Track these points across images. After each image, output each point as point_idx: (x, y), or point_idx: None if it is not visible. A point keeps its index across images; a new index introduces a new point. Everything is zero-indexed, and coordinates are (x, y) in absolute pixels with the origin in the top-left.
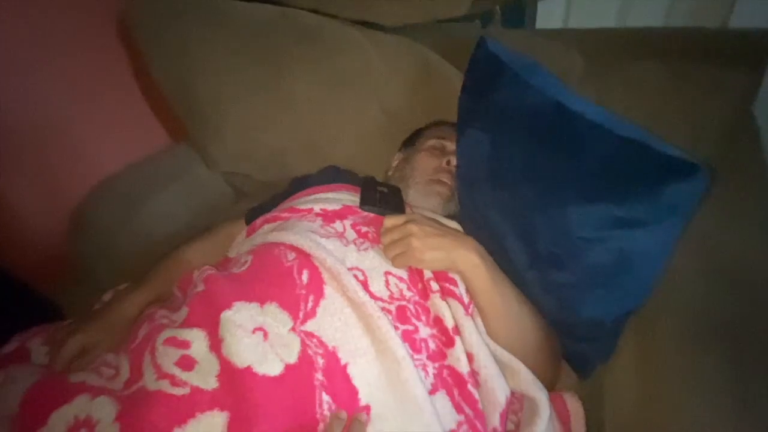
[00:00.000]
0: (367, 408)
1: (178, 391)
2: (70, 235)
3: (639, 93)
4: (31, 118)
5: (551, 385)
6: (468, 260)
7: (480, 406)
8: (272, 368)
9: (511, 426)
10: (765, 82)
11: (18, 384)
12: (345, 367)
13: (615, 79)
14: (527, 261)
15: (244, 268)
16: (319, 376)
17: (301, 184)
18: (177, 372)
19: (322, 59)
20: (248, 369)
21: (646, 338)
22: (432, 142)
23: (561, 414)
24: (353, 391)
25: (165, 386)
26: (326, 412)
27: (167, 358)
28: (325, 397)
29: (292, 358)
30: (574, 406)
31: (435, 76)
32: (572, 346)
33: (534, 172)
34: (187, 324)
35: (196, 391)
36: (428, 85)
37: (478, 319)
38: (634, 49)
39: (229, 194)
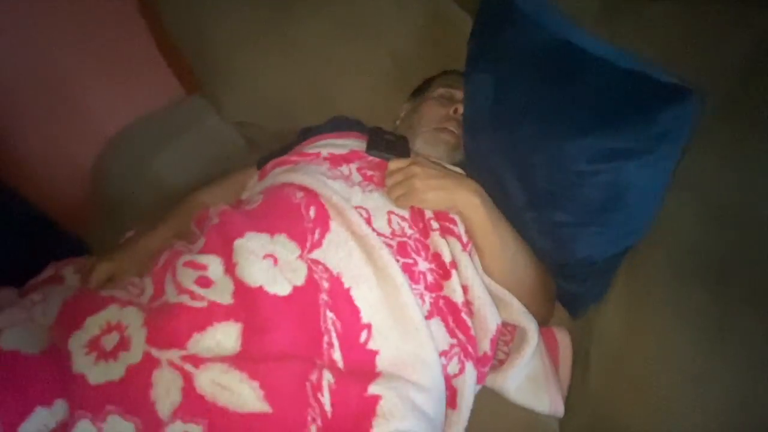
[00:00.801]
0: (369, 326)
1: (197, 304)
2: (92, 182)
3: (654, 34)
4: (49, 68)
5: (544, 323)
6: (468, 201)
7: (472, 332)
8: (282, 288)
9: (501, 355)
10: None
11: (55, 299)
12: (348, 290)
13: (629, 20)
14: (525, 201)
15: (255, 205)
16: (324, 296)
17: (310, 132)
18: (195, 288)
19: (330, 2)
20: (260, 288)
21: (635, 272)
22: (440, 90)
23: (549, 344)
24: (355, 310)
25: (185, 299)
26: (330, 326)
27: (187, 277)
28: (329, 314)
29: (300, 281)
30: (562, 336)
31: (446, 22)
32: (566, 286)
33: (534, 109)
34: (203, 251)
35: (213, 304)
36: (439, 31)
37: (475, 256)
38: None
39: (242, 145)
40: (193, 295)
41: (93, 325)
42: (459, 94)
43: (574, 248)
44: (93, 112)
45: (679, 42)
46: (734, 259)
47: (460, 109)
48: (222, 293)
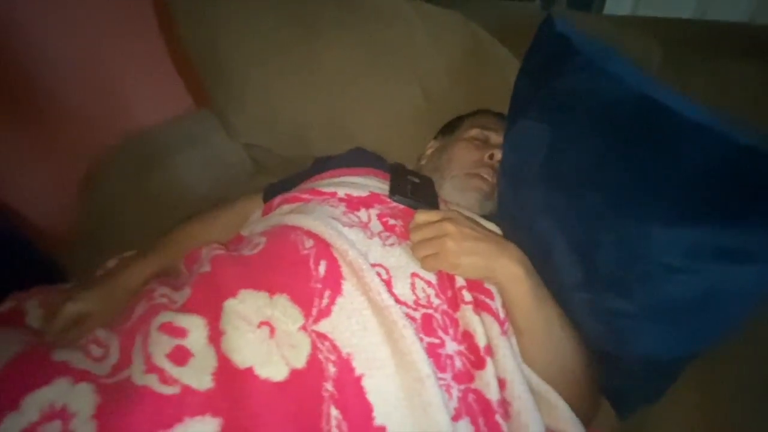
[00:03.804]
0: (383, 429)
1: (167, 390)
2: (79, 196)
3: (726, 93)
4: (35, 68)
5: (587, 422)
6: (510, 271)
7: None
8: (276, 371)
9: None
10: None
11: (3, 349)
12: (359, 378)
13: (698, 75)
14: (578, 280)
15: (255, 251)
16: (328, 386)
17: (326, 164)
18: (168, 366)
19: (360, 26)
20: (249, 370)
21: (707, 385)
22: (474, 132)
23: None
24: (367, 408)
25: (152, 382)
26: (334, 429)
27: (159, 347)
28: (334, 412)
29: (300, 362)
30: None
31: (485, 59)
32: (615, 381)
33: (607, 176)
34: (186, 308)
35: (187, 391)
36: (476, 68)
37: (514, 341)
38: (718, 45)
39: (248, 167)
40: (163, 376)
41: (32, 406)
42: (495, 138)
43: (634, 342)
44: (87, 120)
45: (753, 104)
46: None
47: (497, 155)
48: (200, 374)
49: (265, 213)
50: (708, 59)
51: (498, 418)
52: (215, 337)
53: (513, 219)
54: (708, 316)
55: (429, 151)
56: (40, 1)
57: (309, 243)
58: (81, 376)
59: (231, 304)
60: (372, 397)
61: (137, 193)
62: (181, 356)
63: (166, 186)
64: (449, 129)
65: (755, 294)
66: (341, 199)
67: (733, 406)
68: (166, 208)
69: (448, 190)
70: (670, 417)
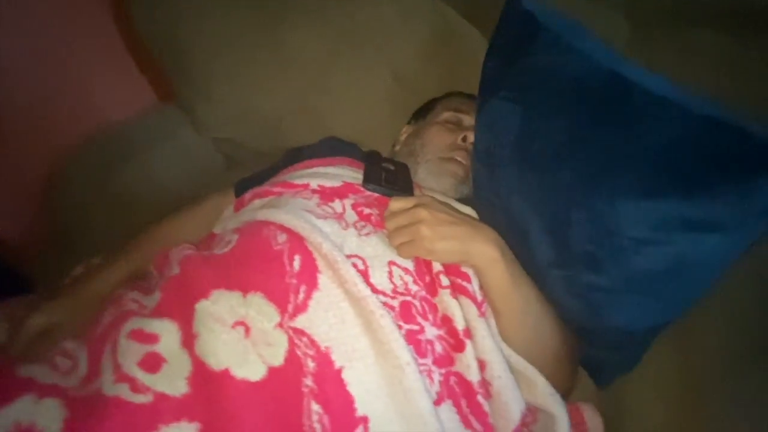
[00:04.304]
0: (364, 419)
1: (139, 399)
2: (44, 199)
3: (695, 64)
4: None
5: (567, 394)
6: (486, 254)
7: (490, 420)
8: (253, 371)
9: None
10: None
11: None
12: (339, 371)
13: (666, 48)
14: (553, 258)
15: (227, 249)
16: (308, 381)
17: (297, 155)
18: (139, 375)
19: (326, 8)
20: (225, 372)
21: (680, 351)
22: (447, 114)
23: (578, 428)
24: (348, 399)
25: (123, 392)
26: (315, 425)
27: (130, 355)
28: (315, 407)
29: (278, 360)
30: (593, 420)
31: (455, 39)
32: (592, 353)
33: (577, 153)
34: (157, 313)
35: (160, 398)
36: (447, 49)
37: (492, 321)
38: (686, 16)
39: (219, 162)
40: (134, 385)
41: None
42: (467, 120)
43: (609, 315)
44: (49, 120)
45: (724, 73)
46: None
47: (470, 137)
48: (174, 379)
49: (237, 209)
50: (677, 31)
51: (479, 398)
52: (188, 340)
53: (487, 201)
54: (679, 285)
55: (403, 137)
56: None
57: (282, 238)
58: (47, 391)
59: (203, 306)
60: (353, 388)
61: (103, 194)
62: (153, 363)
63: (134, 186)
64: (422, 113)
65: (723, 261)
66: (314, 191)
67: (708, 366)
68: (134, 209)
69: (422, 175)
70: (646, 382)
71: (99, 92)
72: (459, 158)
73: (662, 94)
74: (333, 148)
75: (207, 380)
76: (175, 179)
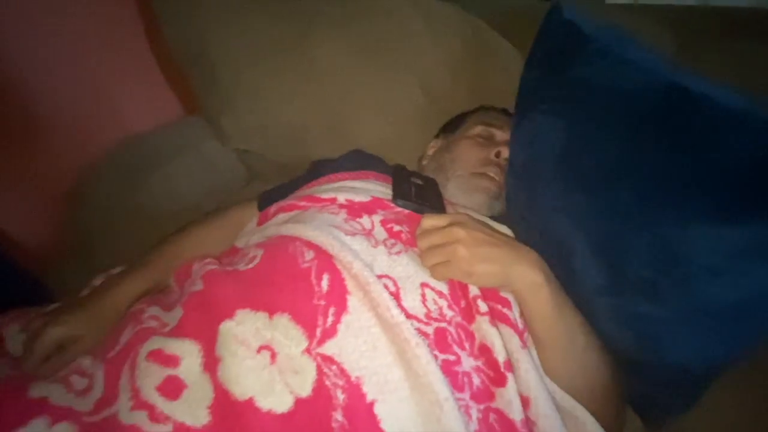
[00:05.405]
0: None
1: (158, 429)
2: (67, 208)
3: (748, 77)
4: (20, 76)
5: None
6: (529, 278)
7: None
8: (280, 402)
9: None
10: None
11: None
12: (371, 405)
13: (716, 61)
14: (602, 284)
15: (251, 266)
16: (337, 415)
17: (323, 168)
18: (159, 402)
19: (355, 21)
20: (249, 402)
21: (746, 391)
22: (479, 129)
23: None
24: None
25: (141, 420)
26: None
27: (149, 379)
28: None
29: (305, 390)
30: None
31: (486, 53)
32: (642, 390)
33: (635, 172)
34: (178, 332)
35: (180, 429)
36: (478, 62)
37: (534, 353)
38: (731, 30)
39: (242, 174)
40: (153, 414)
41: None
42: (500, 135)
43: (665, 349)
44: (78, 130)
45: None
46: None
47: (504, 153)
48: (195, 407)
49: (261, 222)
50: (724, 45)
51: None
52: (211, 364)
53: (524, 220)
54: (749, 320)
55: (431, 151)
56: (22, 10)
57: (309, 255)
58: (61, 414)
59: (227, 327)
60: (386, 425)
61: (126, 204)
62: (173, 388)
63: (157, 196)
64: (451, 127)
65: None
66: (341, 206)
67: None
68: (156, 220)
69: (452, 191)
70: (703, 425)
71: (128, 105)
72: (492, 174)
73: (735, 107)
74: (359, 162)
75: (230, 410)
76: (199, 191)
